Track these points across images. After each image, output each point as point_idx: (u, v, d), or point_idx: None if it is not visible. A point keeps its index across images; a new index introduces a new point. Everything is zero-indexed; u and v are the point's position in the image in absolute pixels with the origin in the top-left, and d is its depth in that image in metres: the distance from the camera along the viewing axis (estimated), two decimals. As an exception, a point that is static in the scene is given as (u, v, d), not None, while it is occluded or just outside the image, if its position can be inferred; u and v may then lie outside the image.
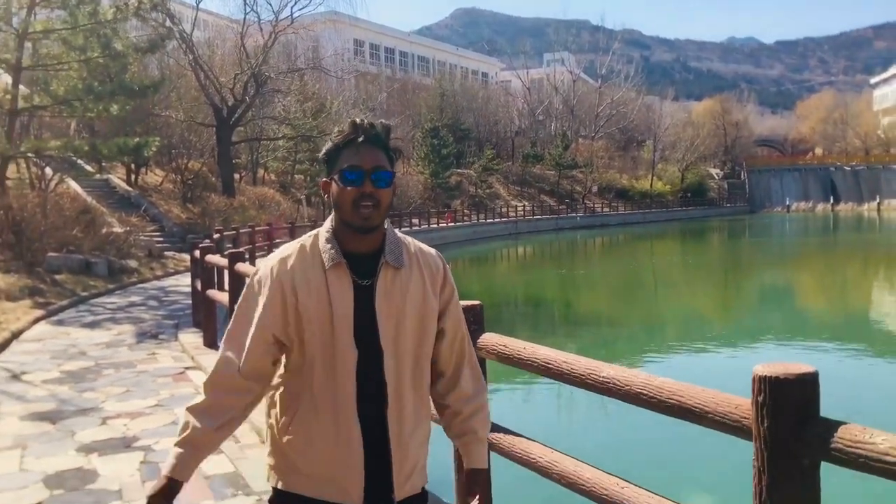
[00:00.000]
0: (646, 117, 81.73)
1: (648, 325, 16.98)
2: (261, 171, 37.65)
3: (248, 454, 4.94)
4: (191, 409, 1.89)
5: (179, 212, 26.95)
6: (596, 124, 75.60)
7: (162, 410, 6.09)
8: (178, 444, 1.86)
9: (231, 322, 1.94)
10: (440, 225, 40.71)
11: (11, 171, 18.98)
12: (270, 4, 32.76)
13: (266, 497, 4.15)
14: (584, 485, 2.65)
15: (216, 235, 15.99)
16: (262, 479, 4.41)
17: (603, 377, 2.55)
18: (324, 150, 1.93)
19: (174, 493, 1.84)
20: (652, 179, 74.94)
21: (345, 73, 45.48)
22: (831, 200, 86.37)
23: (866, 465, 1.78)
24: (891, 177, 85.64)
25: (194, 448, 1.87)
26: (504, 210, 52.27)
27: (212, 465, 4.71)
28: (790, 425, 1.93)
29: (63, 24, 16.48)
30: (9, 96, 16.62)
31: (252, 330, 1.87)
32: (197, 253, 9.66)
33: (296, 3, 32.53)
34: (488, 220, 47.71)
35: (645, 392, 2.38)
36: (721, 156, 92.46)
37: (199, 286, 9.40)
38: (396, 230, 1.99)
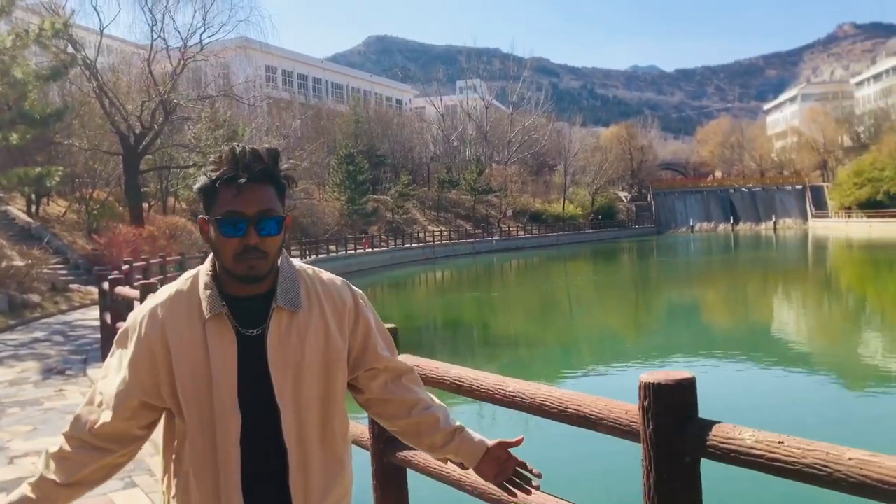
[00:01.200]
0: (556, 143, 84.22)
1: (563, 343, 17.51)
2: (171, 200, 36.73)
3: (166, 487, 4.89)
4: (50, 454, 1.67)
5: (85, 243, 25.99)
6: (509, 150, 77.30)
7: (73, 447, 5.94)
8: (29, 484, 1.66)
9: (101, 373, 1.72)
10: (357, 251, 40.62)
11: None
12: (178, 31, 32.18)
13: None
14: (493, 495, 2.82)
15: (125, 267, 15.54)
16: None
17: (509, 391, 2.73)
18: (198, 184, 1.61)
19: None
20: (564, 203, 76.99)
21: (257, 100, 45.04)
22: (731, 220, 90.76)
23: (737, 459, 2.00)
24: (784, 197, 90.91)
25: (41, 496, 1.64)
26: (421, 235, 52.64)
27: (126, 499, 4.66)
28: (671, 426, 2.14)
29: (-42, 50, 15.84)
30: None
31: (115, 391, 1.63)
32: (106, 285, 9.43)
33: (205, 31, 32.07)
34: (406, 246, 47.92)
35: (547, 403, 2.57)
36: (629, 179, 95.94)
37: (108, 319, 9.17)
38: (296, 260, 1.79)
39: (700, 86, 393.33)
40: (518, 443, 1.91)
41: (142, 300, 7.43)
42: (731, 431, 2.03)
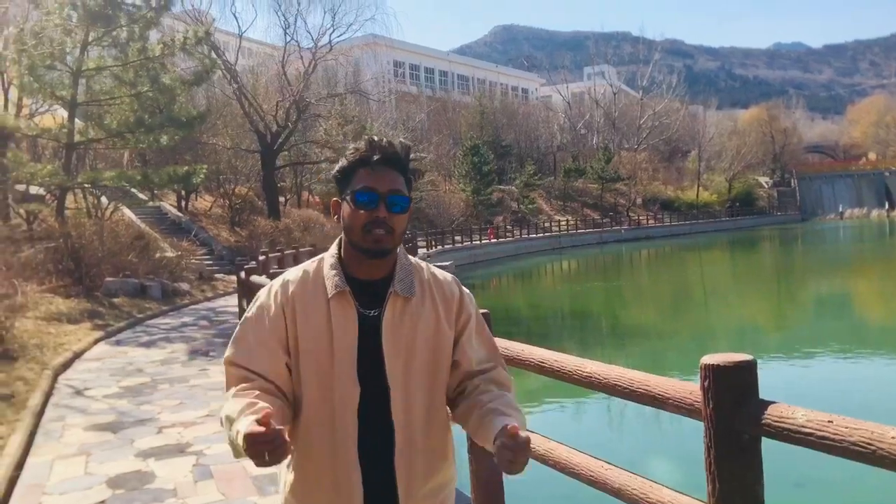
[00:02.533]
0: (690, 127, 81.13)
1: (695, 336, 16.78)
2: (305, 194, 38.55)
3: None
4: (230, 402, 1.65)
5: (228, 235, 27.84)
6: (638, 136, 75.27)
7: (213, 420, 6.56)
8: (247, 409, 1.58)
9: (238, 333, 1.79)
10: (482, 241, 41.05)
11: (69, 201, 19.91)
12: (310, 33, 33.83)
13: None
14: (574, 468, 2.98)
15: (262, 257, 16.59)
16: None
17: (586, 372, 2.87)
18: (336, 168, 1.80)
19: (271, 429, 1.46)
20: (698, 190, 74.16)
21: (384, 96, 46.36)
22: (886, 206, 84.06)
23: (790, 437, 2.07)
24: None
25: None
26: (547, 225, 52.37)
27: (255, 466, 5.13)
28: (730, 406, 2.23)
29: (114, 60, 17.40)
30: (65, 130, 17.58)
31: (261, 339, 1.74)
32: (243, 274, 10.20)
33: (334, 31, 33.50)
34: (531, 236, 47.86)
35: (620, 384, 2.69)
36: (770, 164, 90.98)
37: (245, 305, 9.93)
38: (411, 256, 1.88)
39: (852, 62, 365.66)
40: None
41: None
42: (786, 411, 2.11)
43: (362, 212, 1.70)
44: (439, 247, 35.64)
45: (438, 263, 28.48)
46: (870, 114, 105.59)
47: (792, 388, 9.60)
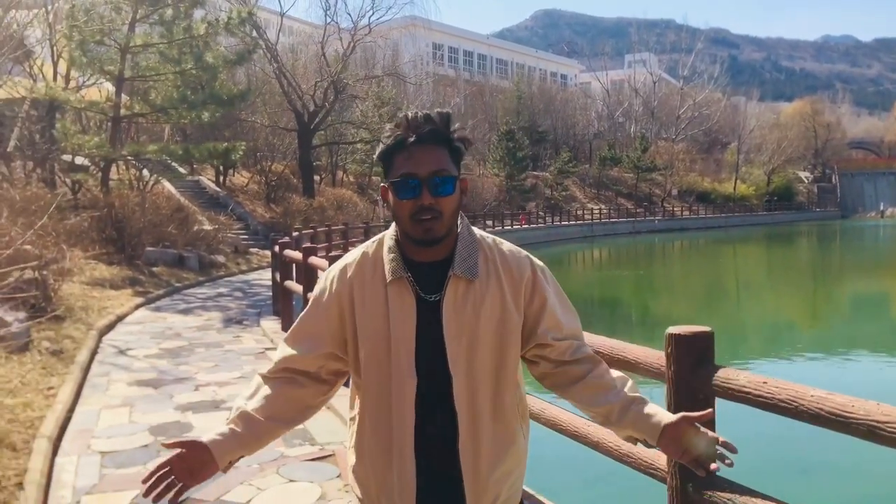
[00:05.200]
0: (730, 119, 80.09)
1: (727, 330, 16.71)
2: (340, 174, 39.08)
3: (317, 415, 5.79)
4: (247, 395, 1.76)
5: (263, 211, 28.48)
6: (677, 126, 74.53)
7: (246, 381, 7.04)
8: (231, 419, 1.71)
9: (294, 325, 1.82)
10: (514, 227, 41.28)
11: (112, 172, 20.62)
12: (349, 14, 34.34)
13: (328, 447, 5.01)
14: (562, 425, 3.35)
15: (295, 234, 17.11)
16: (326, 435, 5.26)
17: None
18: (377, 153, 1.68)
19: (197, 461, 1.63)
20: (735, 182, 73.31)
21: (421, 79, 46.59)
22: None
23: (734, 396, 2.42)
24: None
25: (244, 429, 1.69)
26: (579, 213, 52.33)
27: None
28: (688, 369, 2.59)
29: (160, 38, 17.97)
30: (112, 104, 18.24)
31: (307, 337, 1.75)
32: (276, 248, 10.67)
33: (374, 13, 33.97)
34: (563, 223, 47.92)
35: (599, 351, 3.05)
36: (811, 159, 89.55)
37: (278, 278, 10.41)
38: (476, 229, 1.76)
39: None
40: (705, 416, 1.72)
41: (304, 262, 8.42)
42: (731, 374, 2.46)
43: (406, 201, 1.60)
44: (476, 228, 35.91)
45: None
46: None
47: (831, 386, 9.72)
